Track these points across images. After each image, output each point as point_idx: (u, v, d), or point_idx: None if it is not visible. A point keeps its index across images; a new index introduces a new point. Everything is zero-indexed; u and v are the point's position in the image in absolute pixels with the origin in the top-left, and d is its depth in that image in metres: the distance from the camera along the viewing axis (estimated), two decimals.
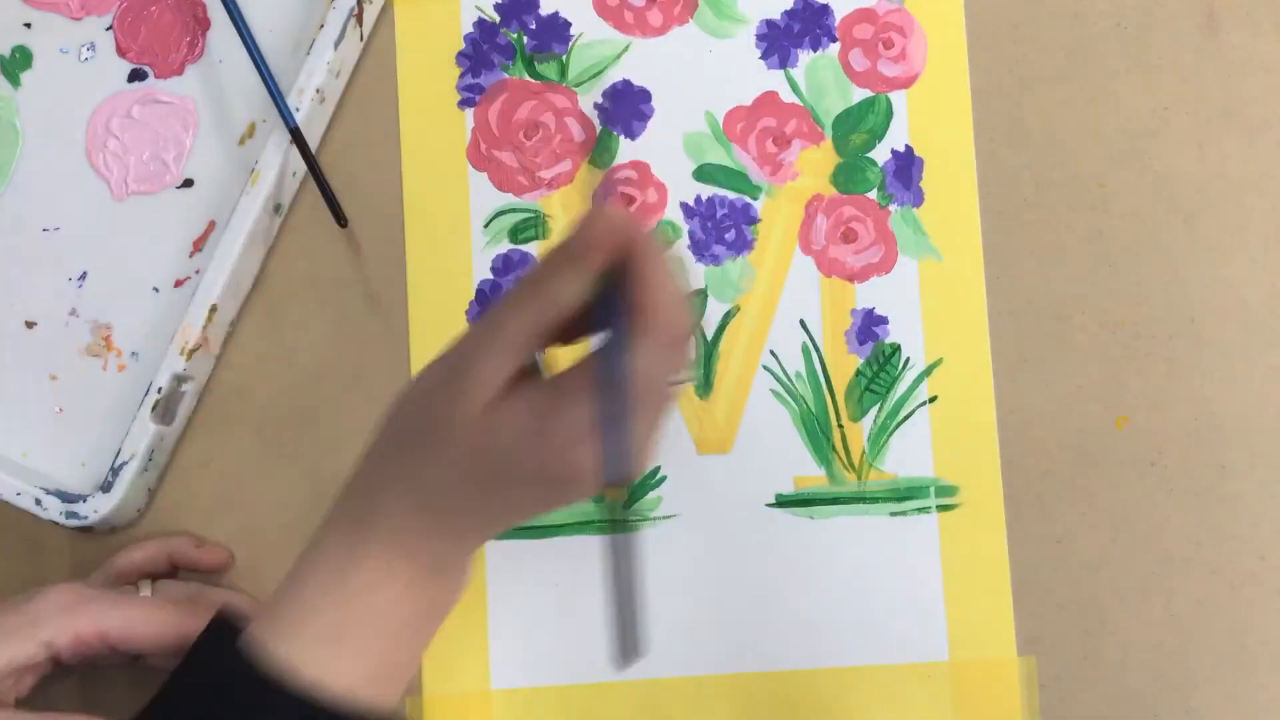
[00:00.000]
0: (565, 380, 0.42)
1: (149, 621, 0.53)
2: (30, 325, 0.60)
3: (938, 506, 0.59)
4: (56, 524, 0.56)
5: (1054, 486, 0.59)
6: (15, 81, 0.61)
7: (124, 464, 0.56)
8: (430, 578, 0.46)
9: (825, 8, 0.61)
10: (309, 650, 0.44)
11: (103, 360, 0.59)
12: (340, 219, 0.58)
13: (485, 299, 0.60)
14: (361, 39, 0.60)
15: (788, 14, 0.61)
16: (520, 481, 0.43)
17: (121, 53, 0.61)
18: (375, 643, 0.45)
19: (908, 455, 0.59)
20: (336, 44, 0.58)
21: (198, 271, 0.59)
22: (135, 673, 0.55)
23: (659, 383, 0.42)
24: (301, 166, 0.59)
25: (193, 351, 0.57)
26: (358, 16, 0.59)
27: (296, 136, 0.58)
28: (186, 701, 0.45)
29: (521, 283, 0.43)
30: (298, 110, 0.58)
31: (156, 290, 0.60)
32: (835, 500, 0.59)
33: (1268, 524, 0.59)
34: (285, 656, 0.44)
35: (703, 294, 0.60)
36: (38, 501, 0.56)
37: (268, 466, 0.60)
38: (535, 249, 0.60)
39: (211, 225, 0.60)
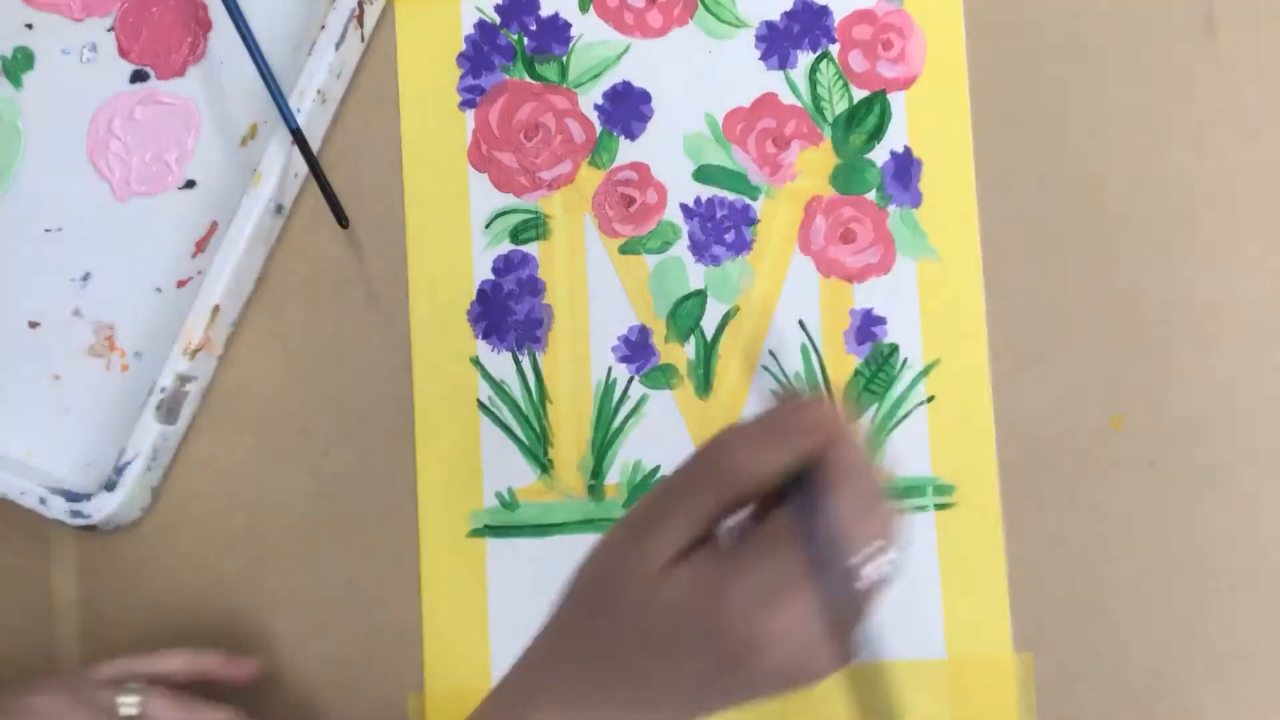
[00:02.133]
0: (743, 548, 0.40)
1: None
2: (34, 326, 0.60)
3: (935, 505, 0.59)
4: (62, 523, 0.57)
5: (1051, 486, 0.59)
6: (17, 83, 0.61)
7: (128, 463, 0.57)
8: None
9: (824, 9, 0.61)
10: None
11: (106, 360, 0.60)
12: (342, 220, 0.59)
13: (486, 299, 0.60)
14: (362, 40, 0.60)
15: (787, 15, 0.61)
16: (690, 647, 0.40)
17: (123, 54, 0.61)
18: None
19: (906, 454, 0.59)
20: (337, 45, 0.58)
21: (200, 272, 0.59)
22: None
23: (853, 550, 0.39)
24: (303, 167, 0.59)
25: (196, 352, 0.58)
26: (358, 18, 0.59)
27: (298, 137, 0.58)
28: None
29: (710, 452, 0.41)
30: (299, 111, 0.58)
31: (159, 291, 0.60)
32: None
33: (1265, 524, 0.59)
34: None
35: (702, 294, 0.60)
36: (42, 501, 0.56)
37: (268, 466, 0.60)
38: (535, 249, 0.61)
39: (214, 226, 0.60)
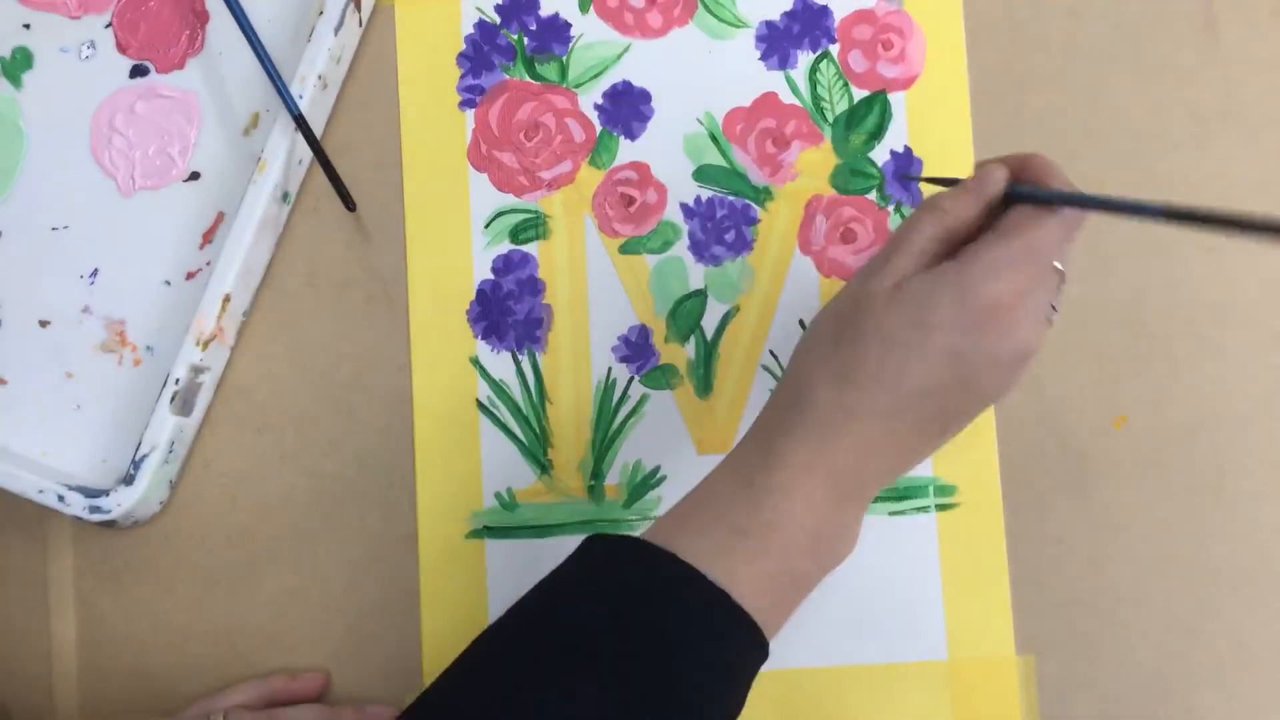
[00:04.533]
0: (969, 247, 0.46)
1: None
2: (44, 324, 0.60)
3: (937, 506, 0.59)
4: (80, 519, 0.56)
5: (1053, 486, 0.59)
6: (17, 83, 0.61)
7: (145, 456, 0.57)
8: (835, 498, 0.46)
9: (824, 9, 0.61)
10: (717, 547, 0.45)
11: (118, 355, 0.60)
12: (348, 203, 0.59)
13: (486, 299, 0.60)
14: (360, 24, 0.61)
15: (787, 15, 0.61)
16: (937, 329, 0.45)
17: (122, 49, 0.61)
18: (774, 558, 0.45)
19: None
20: (337, 30, 0.59)
21: (208, 263, 0.59)
22: None
23: (1052, 249, 0.46)
24: (307, 154, 0.60)
25: (208, 342, 0.57)
26: (356, 2, 0.59)
27: (301, 123, 0.58)
28: (585, 592, 0.46)
29: (923, 204, 0.48)
30: (301, 98, 0.58)
31: (168, 284, 0.60)
32: None
33: (1266, 524, 0.59)
34: (690, 551, 0.44)
35: (703, 294, 0.60)
36: (60, 498, 0.56)
37: (267, 466, 0.60)
38: (535, 249, 0.61)
39: (220, 217, 0.60)
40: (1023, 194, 0.47)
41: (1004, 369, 0.46)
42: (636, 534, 0.46)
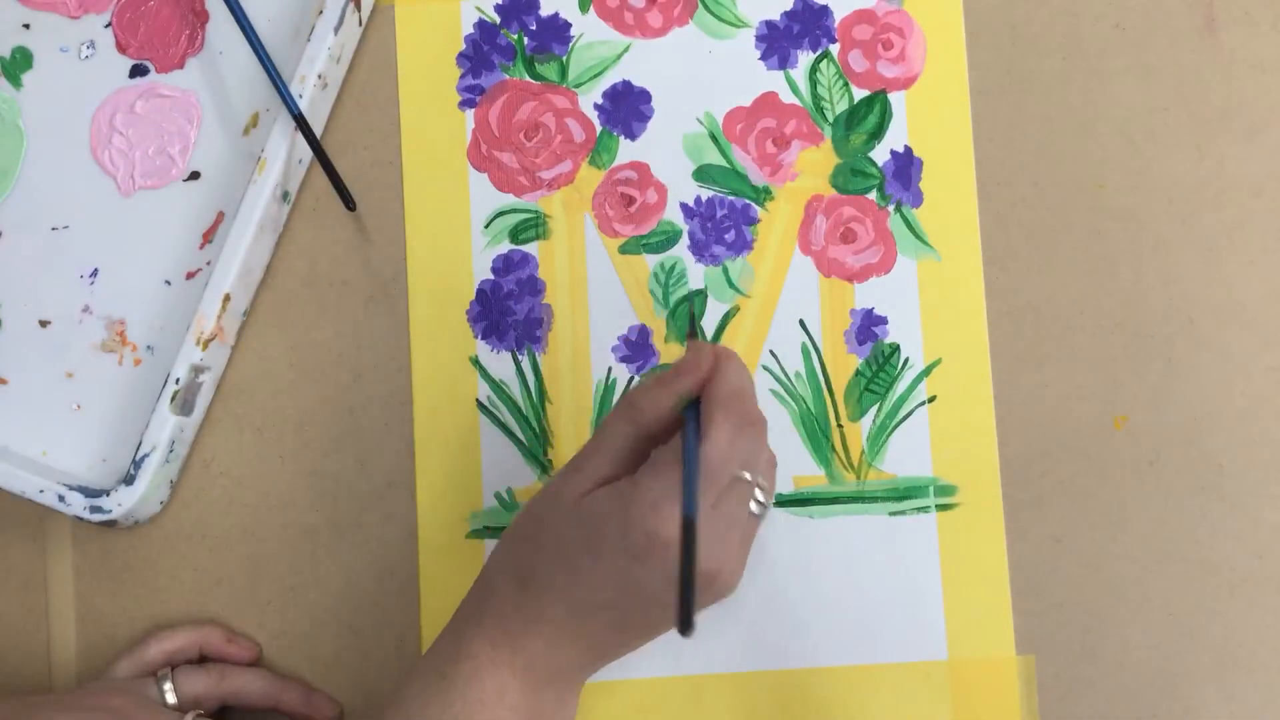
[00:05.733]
0: (645, 468, 0.47)
1: None
2: (44, 324, 0.60)
3: (937, 506, 0.59)
4: (81, 519, 0.56)
5: (1053, 486, 0.59)
6: (17, 83, 0.61)
7: (145, 456, 0.57)
8: (530, 687, 0.48)
9: (824, 9, 0.61)
10: None
11: (118, 355, 0.60)
12: (348, 202, 0.59)
13: (485, 299, 0.60)
14: (360, 23, 0.61)
15: (787, 15, 0.61)
16: (605, 554, 0.46)
17: (121, 49, 0.61)
18: None
19: (907, 455, 0.59)
20: (336, 29, 0.58)
21: (208, 263, 0.59)
22: None
23: (729, 460, 0.46)
24: (307, 153, 0.60)
25: (208, 342, 0.57)
26: (355, 1, 0.59)
27: (301, 123, 0.58)
28: None
29: (621, 400, 0.49)
30: (301, 97, 0.58)
31: (168, 283, 0.60)
32: (835, 500, 0.59)
33: (1266, 523, 0.59)
34: None
35: (703, 294, 0.60)
36: (61, 498, 0.56)
37: (267, 466, 0.60)
38: (535, 249, 0.61)
39: (220, 216, 0.60)
40: (691, 416, 0.46)
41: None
42: None
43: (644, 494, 0.45)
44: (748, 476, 0.47)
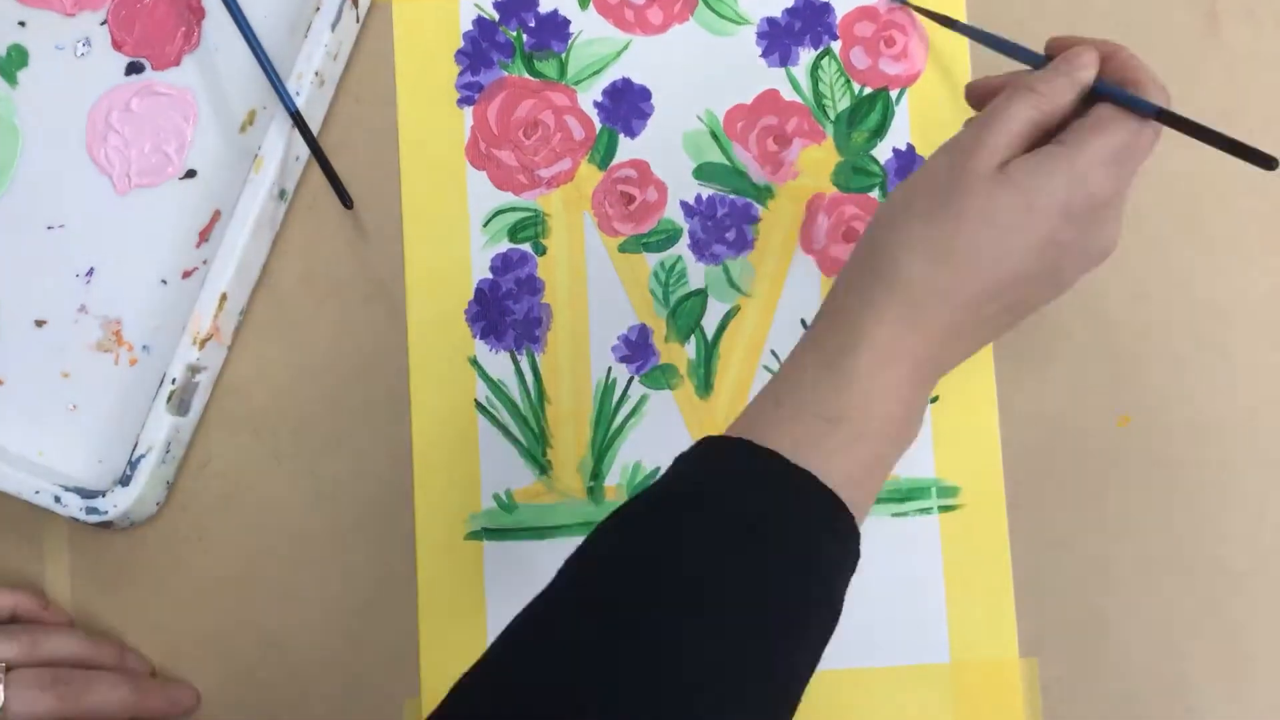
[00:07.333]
0: (1073, 134, 0.46)
1: None
2: (40, 324, 0.60)
3: (939, 507, 0.59)
4: (77, 520, 0.56)
5: (1056, 487, 0.59)
6: (12, 80, 0.61)
7: (141, 457, 0.56)
8: (919, 379, 0.46)
9: (826, 5, 0.61)
10: (807, 437, 0.44)
11: (114, 355, 0.59)
12: (346, 200, 0.58)
13: (484, 298, 0.60)
14: (357, 20, 0.60)
15: (789, 12, 0.61)
16: (1039, 220, 0.45)
17: (117, 46, 0.61)
18: (865, 446, 0.44)
19: (909, 456, 0.58)
20: (333, 26, 0.58)
21: (205, 262, 0.59)
22: None
23: (1148, 149, 0.47)
24: (304, 151, 0.59)
25: (205, 341, 0.57)
26: None
27: (298, 120, 0.57)
28: (684, 485, 0.45)
29: (1021, 84, 0.48)
30: (298, 94, 0.58)
31: (164, 283, 0.60)
32: None
33: (1271, 524, 0.59)
34: (788, 446, 0.43)
35: (703, 294, 0.60)
36: (57, 499, 0.56)
37: (265, 467, 0.59)
38: (534, 248, 0.60)
39: (216, 215, 0.60)
40: (1115, 97, 0.47)
41: (1091, 262, 0.47)
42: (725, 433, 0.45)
43: (1087, 155, 0.45)
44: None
